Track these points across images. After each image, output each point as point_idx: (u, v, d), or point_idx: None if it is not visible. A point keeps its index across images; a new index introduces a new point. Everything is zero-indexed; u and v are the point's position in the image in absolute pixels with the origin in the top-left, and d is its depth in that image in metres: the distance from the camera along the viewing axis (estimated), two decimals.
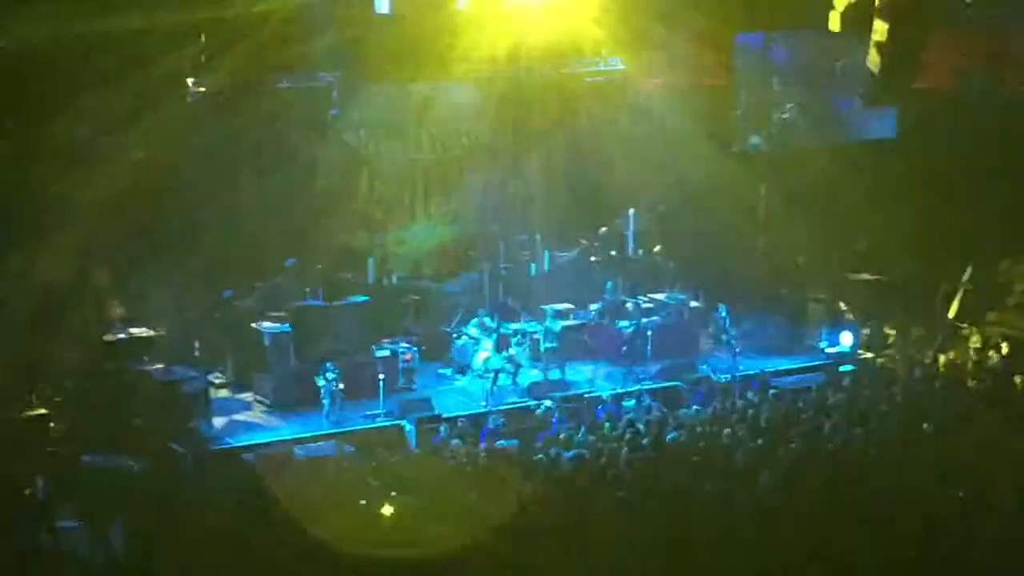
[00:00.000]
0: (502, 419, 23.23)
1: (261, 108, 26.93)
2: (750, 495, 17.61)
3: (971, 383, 24.00)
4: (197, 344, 25.88)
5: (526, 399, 24.64)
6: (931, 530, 16.02)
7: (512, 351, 25.74)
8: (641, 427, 21.70)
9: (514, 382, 25.44)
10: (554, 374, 25.77)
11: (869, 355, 27.08)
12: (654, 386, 25.09)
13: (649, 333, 26.63)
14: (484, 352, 25.80)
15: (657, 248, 29.68)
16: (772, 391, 23.89)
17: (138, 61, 24.61)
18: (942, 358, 26.16)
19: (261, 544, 16.57)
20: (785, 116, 30.29)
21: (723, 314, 26.87)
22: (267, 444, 22.79)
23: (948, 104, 29.86)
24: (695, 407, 23.25)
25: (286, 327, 24.85)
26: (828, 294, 29.08)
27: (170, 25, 24.86)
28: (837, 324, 28.19)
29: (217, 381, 25.33)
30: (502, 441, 21.89)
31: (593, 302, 28.01)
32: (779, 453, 19.07)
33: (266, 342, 24.72)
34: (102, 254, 24.95)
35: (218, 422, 23.71)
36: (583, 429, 21.96)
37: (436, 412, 23.59)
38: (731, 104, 30.68)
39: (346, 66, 27.20)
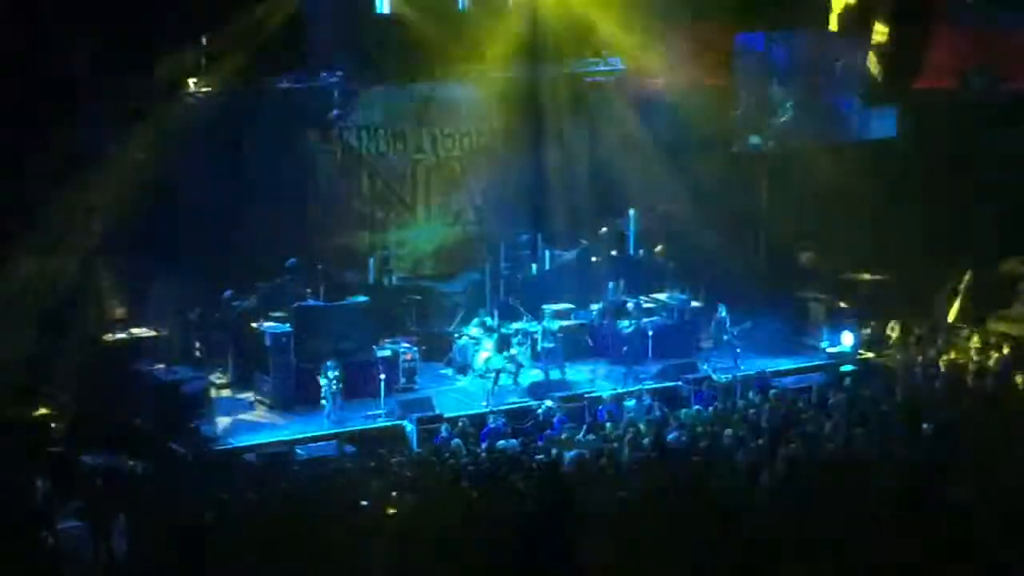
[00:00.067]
0: (503, 419, 23.22)
1: (262, 108, 26.97)
2: (750, 495, 17.61)
3: (971, 383, 23.99)
4: (198, 344, 25.89)
5: (527, 399, 24.65)
6: (931, 530, 16.01)
7: (513, 351, 25.74)
8: (642, 427, 21.73)
9: (515, 382, 25.44)
10: (554, 374, 25.78)
11: (870, 355, 27.08)
12: (655, 386, 25.09)
13: (650, 333, 26.63)
14: (485, 352, 25.80)
15: (658, 248, 29.70)
16: (773, 391, 23.89)
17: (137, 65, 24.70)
18: (943, 358, 26.16)
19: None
20: (785, 116, 30.28)
21: (723, 314, 26.88)
22: (268, 444, 22.79)
23: (948, 104, 29.86)
24: (696, 407, 23.25)
25: (287, 327, 24.86)
26: (828, 294, 29.10)
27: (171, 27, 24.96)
28: (838, 324, 28.20)
29: (218, 381, 25.33)
30: (503, 441, 21.88)
31: (594, 302, 28.03)
32: (780, 453, 19.07)
33: (267, 342, 24.72)
34: (103, 254, 24.98)
35: (219, 422, 23.70)
36: (584, 429, 21.97)
37: (437, 412, 23.59)
38: (731, 104, 30.69)
39: (347, 66, 27.20)
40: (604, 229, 29.76)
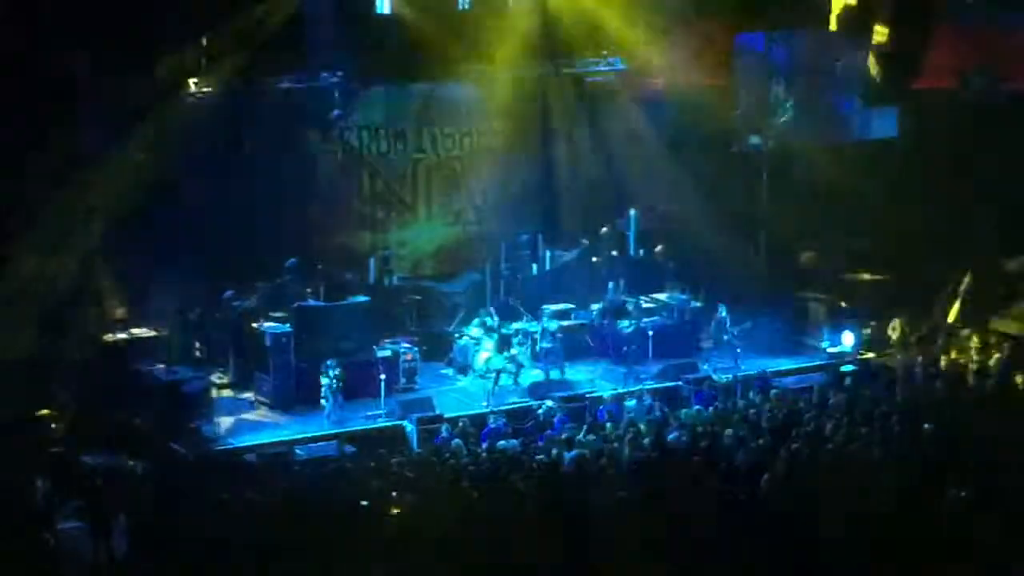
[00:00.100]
0: (503, 419, 23.21)
1: (262, 109, 26.98)
2: (751, 495, 17.60)
3: (972, 383, 23.98)
4: (198, 344, 25.91)
5: (527, 399, 24.65)
6: (931, 530, 16.01)
7: (513, 351, 25.74)
8: (642, 427, 21.72)
9: (515, 382, 25.44)
10: (553, 374, 25.78)
11: (870, 355, 27.07)
12: (655, 386, 25.08)
13: (650, 333, 26.63)
14: (485, 352, 25.81)
15: (658, 248, 29.69)
16: (773, 391, 23.88)
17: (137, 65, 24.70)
18: (943, 358, 26.16)
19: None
20: (785, 116, 30.28)
21: (723, 314, 26.88)
22: (268, 444, 22.78)
23: (948, 104, 29.85)
24: (696, 407, 23.24)
25: (287, 327, 24.86)
26: (829, 294, 29.10)
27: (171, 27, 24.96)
28: (838, 324, 28.21)
29: (218, 381, 25.33)
30: (503, 441, 21.88)
31: (594, 302, 28.03)
32: (780, 453, 19.06)
33: (267, 342, 24.72)
34: (103, 254, 24.98)
35: (220, 422, 23.71)
36: (584, 429, 21.97)
37: (437, 412, 23.58)
38: (731, 104, 30.68)
39: (347, 66, 27.21)
40: (605, 229, 29.75)
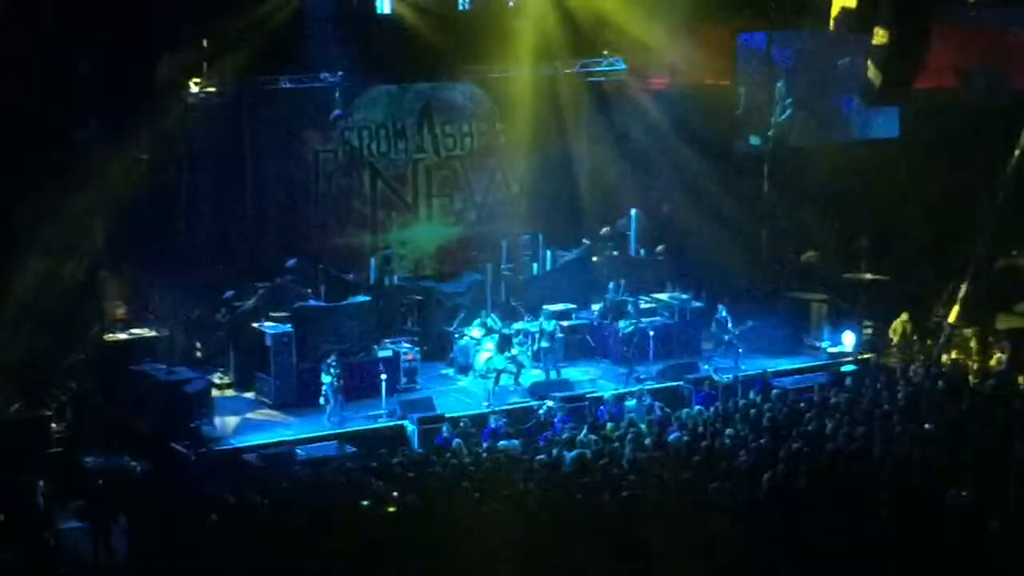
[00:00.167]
0: (504, 419, 23.21)
1: (263, 108, 26.99)
2: (753, 495, 17.59)
3: (973, 383, 23.96)
4: (199, 344, 25.91)
5: (528, 399, 24.64)
6: (931, 530, 16.00)
7: (514, 351, 25.73)
8: (643, 427, 21.71)
9: (516, 382, 25.43)
10: (552, 374, 25.76)
11: (871, 355, 27.05)
12: (656, 386, 25.07)
13: (651, 333, 26.62)
14: (486, 352, 25.79)
15: (658, 248, 29.69)
16: (774, 391, 23.87)
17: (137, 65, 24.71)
18: (944, 358, 26.15)
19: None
20: (785, 114, 30.29)
21: (724, 314, 26.87)
22: (268, 445, 22.78)
23: (949, 103, 29.84)
24: (697, 407, 23.23)
25: (288, 327, 24.86)
26: (829, 294, 29.09)
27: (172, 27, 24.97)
28: (838, 324, 28.20)
29: (219, 381, 25.33)
30: (504, 441, 21.87)
31: (595, 302, 28.03)
32: (781, 453, 19.05)
33: (268, 342, 24.73)
34: (104, 255, 24.98)
35: (223, 422, 23.72)
36: (585, 429, 21.96)
37: (438, 412, 23.58)
38: (732, 104, 30.68)
39: (348, 66, 27.22)
40: (605, 229, 29.75)
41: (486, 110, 29.46)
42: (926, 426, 20.38)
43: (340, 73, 27.30)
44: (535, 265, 29.18)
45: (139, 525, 18.26)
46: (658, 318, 27.49)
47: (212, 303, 25.87)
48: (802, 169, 29.79)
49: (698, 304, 28.01)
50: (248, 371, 25.23)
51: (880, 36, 22.60)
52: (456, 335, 26.74)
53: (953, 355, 26.39)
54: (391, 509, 17.84)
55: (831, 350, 27.62)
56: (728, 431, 20.71)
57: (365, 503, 18.05)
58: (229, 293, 25.80)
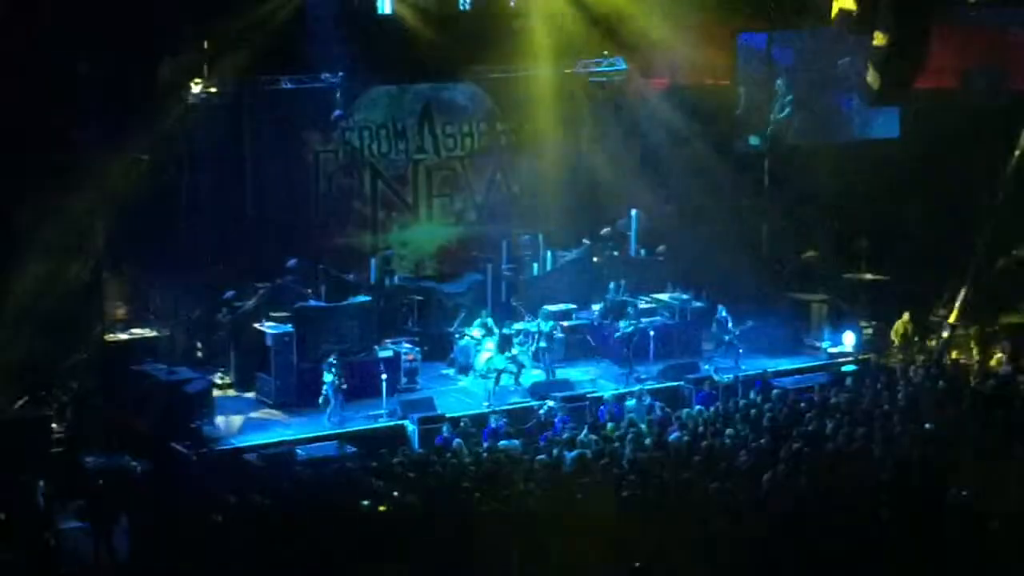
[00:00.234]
0: (504, 419, 23.21)
1: (264, 109, 26.99)
2: (753, 495, 17.60)
3: (973, 383, 23.97)
4: (199, 344, 25.92)
5: (528, 399, 24.64)
6: (931, 530, 16.01)
7: (514, 351, 25.73)
8: (644, 427, 21.72)
9: (516, 382, 25.43)
10: (548, 374, 25.77)
11: (871, 355, 27.05)
12: (656, 386, 25.08)
13: (651, 333, 26.63)
14: (486, 352, 25.79)
15: (659, 248, 29.70)
16: (774, 391, 23.88)
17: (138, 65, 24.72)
18: (944, 358, 26.14)
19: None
20: (785, 112, 30.29)
21: (724, 314, 26.87)
22: (269, 445, 22.79)
23: (949, 103, 29.83)
24: (698, 407, 23.24)
25: (288, 327, 24.87)
26: (830, 294, 29.09)
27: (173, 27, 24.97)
28: (839, 324, 28.21)
29: (219, 381, 25.33)
30: (504, 441, 21.88)
31: (596, 302, 28.03)
32: (782, 453, 19.06)
33: (268, 342, 24.73)
34: (105, 255, 24.98)
35: (225, 422, 23.73)
36: (586, 429, 21.96)
37: (438, 412, 23.58)
38: (732, 104, 30.68)
39: (349, 67, 27.22)
40: (606, 229, 29.75)
41: (486, 110, 29.47)
42: (926, 426, 20.40)
43: (341, 73, 27.31)
44: (535, 265, 29.18)
45: (140, 525, 18.26)
46: (658, 318, 27.50)
47: (213, 303, 25.88)
48: (802, 169, 29.78)
49: (698, 304, 28.03)
50: (249, 371, 25.24)
51: (880, 38, 22.61)
52: (456, 335, 26.75)
53: (953, 355, 26.40)
54: (382, 509, 17.84)
55: (831, 350, 27.63)
56: (728, 431, 20.74)
57: (365, 503, 18.06)
58: (230, 293, 25.80)
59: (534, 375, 25.76)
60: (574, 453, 19.91)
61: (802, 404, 22.60)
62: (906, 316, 27.32)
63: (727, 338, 26.57)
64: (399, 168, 28.95)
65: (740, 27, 30.17)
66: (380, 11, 28.08)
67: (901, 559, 15.37)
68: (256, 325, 25.21)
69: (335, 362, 23.72)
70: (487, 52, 28.47)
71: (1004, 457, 18.47)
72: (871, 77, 23.24)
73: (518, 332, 26.17)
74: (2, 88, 22.83)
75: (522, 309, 27.16)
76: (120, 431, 22.54)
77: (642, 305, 27.68)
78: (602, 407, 23.75)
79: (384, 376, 23.95)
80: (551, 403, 23.79)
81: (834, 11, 23.46)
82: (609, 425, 22.07)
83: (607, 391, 24.73)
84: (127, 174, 24.79)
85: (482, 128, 29.52)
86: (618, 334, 26.65)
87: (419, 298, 27.68)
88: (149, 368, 23.97)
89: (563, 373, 25.98)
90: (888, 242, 29.58)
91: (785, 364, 26.62)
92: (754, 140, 30.62)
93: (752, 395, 23.74)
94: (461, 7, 28.99)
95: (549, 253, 29.22)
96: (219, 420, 23.70)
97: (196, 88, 26.07)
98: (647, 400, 23.79)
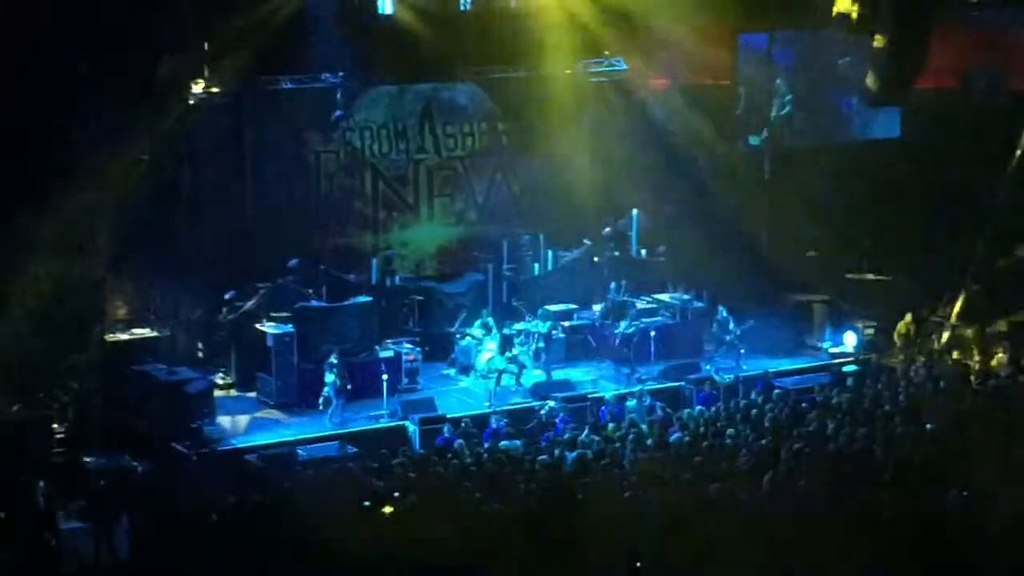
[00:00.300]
0: (505, 419, 23.21)
1: (264, 109, 26.99)
2: (754, 495, 17.59)
3: (974, 383, 23.97)
4: (200, 345, 25.92)
5: (529, 400, 24.64)
6: (931, 530, 16.00)
7: (515, 351, 25.73)
8: (645, 427, 21.71)
9: (517, 383, 25.43)
10: (544, 375, 25.76)
11: (872, 355, 27.05)
12: (657, 386, 25.07)
13: (652, 333, 26.63)
14: (487, 353, 25.79)
15: (660, 248, 29.69)
16: (776, 391, 23.87)
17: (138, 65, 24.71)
18: (945, 358, 26.13)
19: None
20: (785, 110, 30.29)
21: (724, 315, 26.87)
22: (270, 445, 22.79)
23: (950, 103, 29.84)
24: (699, 407, 23.24)
25: (289, 328, 24.87)
26: (831, 294, 29.08)
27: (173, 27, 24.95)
28: (840, 324, 28.20)
29: (220, 382, 25.33)
30: (505, 442, 21.87)
31: (596, 302, 28.02)
32: (783, 453, 19.05)
33: (269, 343, 24.73)
34: (106, 255, 24.98)
35: (228, 423, 23.73)
36: (587, 429, 21.96)
37: (439, 412, 23.58)
38: (732, 104, 30.67)
39: (349, 67, 27.22)
40: (607, 229, 29.75)
41: (487, 110, 29.46)
42: (927, 427, 20.38)
43: (341, 73, 27.32)
44: (536, 265, 29.18)
45: (140, 525, 18.26)
46: (659, 318, 27.50)
47: (213, 303, 25.88)
48: (802, 168, 29.77)
49: (699, 304, 28.03)
50: (249, 371, 25.24)
51: (880, 40, 22.62)
52: (457, 335, 26.75)
53: (954, 355, 26.38)
54: (387, 509, 17.83)
55: (832, 350, 27.63)
56: (729, 431, 20.74)
57: (365, 503, 18.05)
58: (230, 293, 25.80)
59: (535, 375, 25.75)
60: (575, 454, 19.91)
61: (803, 404, 22.60)
62: (908, 317, 27.31)
63: (728, 338, 26.59)
64: (400, 168, 28.94)
65: (740, 27, 30.14)
66: (380, 11, 28.06)
67: (901, 560, 15.36)
68: (257, 325, 25.22)
69: (336, 362, 23.72)
70: (487, 52, 28.47)
71: (1004, 457, 18.45)
72: (871, 81, 23.27)
73: (519, 332, 26.17)
74: (2, 88, 22.83)
75: (523, 309, 27.16)
76: (121, 431, 22.55)
77: (643, 305, 27.68)
78: (603, 407, 23.75)
79: (385, 376, 23.96)
80: (552, 403, 23.79)
81: (835, 12, 23.49)
82: (610, 426, 22.07)
83: (608, 391, 24.73)
84: (127, 174, 24.78)
85: (483, 128, 29.51)
86: (619, 334, 26.67)
87: (420, 298, 27.68)
88: (150, 368, 23.98)
89: (564, 374, 25.97)
90: (888, 242, 29.57)
91: (786, 364, 26.62)
92: (754, 140, 30.62)
93: (753, 395, 23.74)
94: (461, 7, 28.98)
95: (550, 253, 29.22)
96: (225, 420, 23.71)
97: (196, 88, 26.06)
98: (648, 400, 23.80)
